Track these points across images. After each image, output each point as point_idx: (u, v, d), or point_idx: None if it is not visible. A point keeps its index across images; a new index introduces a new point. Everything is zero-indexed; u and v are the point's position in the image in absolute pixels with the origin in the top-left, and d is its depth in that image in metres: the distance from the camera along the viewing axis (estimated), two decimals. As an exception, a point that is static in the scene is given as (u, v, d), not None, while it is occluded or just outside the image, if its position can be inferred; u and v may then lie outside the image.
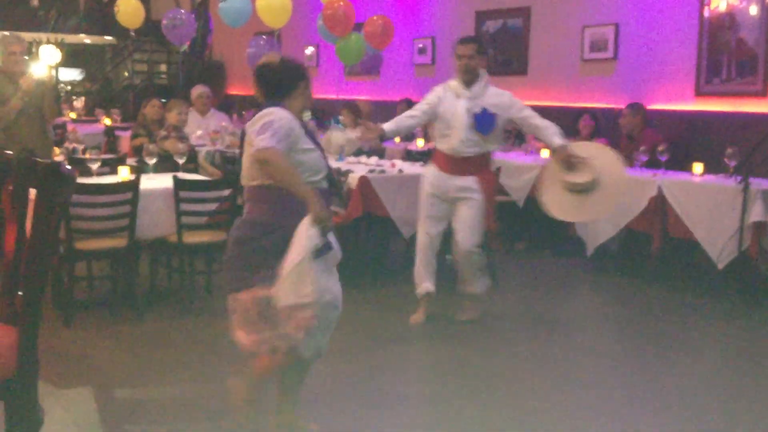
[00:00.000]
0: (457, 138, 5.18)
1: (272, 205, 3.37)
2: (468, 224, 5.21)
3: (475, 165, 5.23)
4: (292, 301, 3.25)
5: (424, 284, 5.43)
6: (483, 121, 5.15)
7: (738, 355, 5.01)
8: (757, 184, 5.69)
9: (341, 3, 9.01)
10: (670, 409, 4.05)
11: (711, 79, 7.32)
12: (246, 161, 3.45)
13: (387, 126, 5.24)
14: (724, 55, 7.20)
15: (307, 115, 3.95)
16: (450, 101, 5.23)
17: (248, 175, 3.44)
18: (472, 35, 5.51)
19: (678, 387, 4.39)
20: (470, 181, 5.21)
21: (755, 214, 5.58)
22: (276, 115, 3.37)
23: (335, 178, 3.68)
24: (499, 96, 5.22)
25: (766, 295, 5.88)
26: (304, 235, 3.24)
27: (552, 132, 5.16)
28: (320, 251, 3.27)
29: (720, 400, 4.21)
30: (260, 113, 3.41)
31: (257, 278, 3.32)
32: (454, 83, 5.29)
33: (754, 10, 6.93)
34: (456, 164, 5.23)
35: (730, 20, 7.14)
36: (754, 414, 4.00)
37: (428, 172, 5.40)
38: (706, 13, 7.34)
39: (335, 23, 9.27)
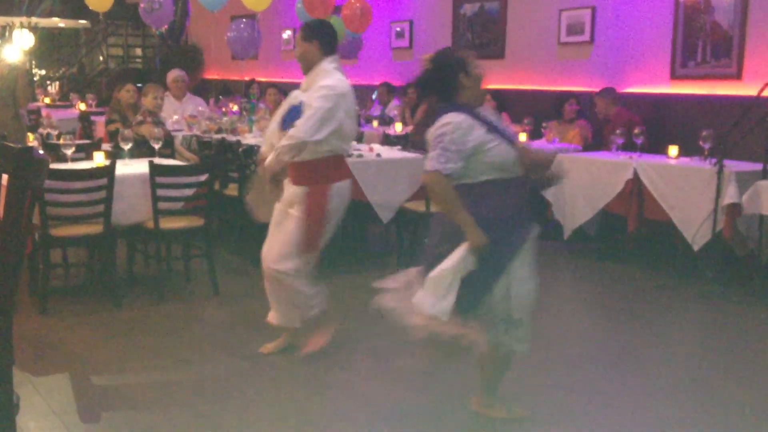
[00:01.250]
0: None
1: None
2: (280, 237, 4.31)
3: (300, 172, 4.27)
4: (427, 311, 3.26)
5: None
6: (287, 116, 4.29)
7: (714, 335, 5.07)
8: (731, 166, 5.75)
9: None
10: (648, 388, 4.10)
11: (686, 62, 7.36)
12: None
13: None
14: (698, 39, 7.24)
15: None
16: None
17: None
18: (308, 21, 4.56)
19: (655, 366, 4.43)
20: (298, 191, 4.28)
21: (729, 196, 5.63)
22: (451, 125, 3.23)
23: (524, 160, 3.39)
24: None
25: (741, 275, 5.95)
26: (460, 256, 3.20)
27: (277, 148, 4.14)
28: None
29: (697, 379, 4.26)
30: (440, 121, 3.28)
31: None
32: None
33: (728, -7, 6.97)
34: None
35: (704, 4, 7.18)
36: (729, 391, 4.06)
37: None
38: (681, -3, 7.37)
39: (314, 6, 9.22)
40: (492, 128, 3.32)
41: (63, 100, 13.10)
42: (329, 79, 4.24)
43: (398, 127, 8.89)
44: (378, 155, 6.46)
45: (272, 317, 4.47)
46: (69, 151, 5.71)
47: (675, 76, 7.47)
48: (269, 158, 4.16)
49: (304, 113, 4.12)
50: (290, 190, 4.27)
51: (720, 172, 5.56)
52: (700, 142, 6.07)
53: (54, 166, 5.33)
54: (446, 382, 4.10)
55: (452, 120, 3.25)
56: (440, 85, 3.41)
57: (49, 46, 19.04)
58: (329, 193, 4.27)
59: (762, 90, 5.43)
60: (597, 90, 7.75)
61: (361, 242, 6.93)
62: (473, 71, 3.40)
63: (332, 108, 4.15)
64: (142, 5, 10.01)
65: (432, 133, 3.28)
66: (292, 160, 4.16)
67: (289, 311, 4.40)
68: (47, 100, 12.55)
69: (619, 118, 7.23)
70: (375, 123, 9.53)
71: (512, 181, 3.33)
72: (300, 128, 4.08)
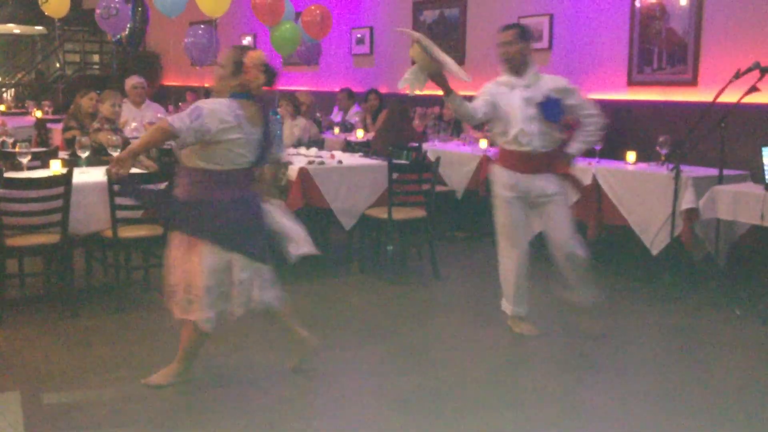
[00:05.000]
0: (522, 133, 4.74)
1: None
2: (564, 223, 4.84)
3: (552, 159, 4.80)
4: None
5: (516, 308, 5.05)
6: (549, 109, 4.71)
7: (672, 338, 5.13)
8: (688, 171, 5.84)
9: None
10: (607, 392, 4.14)
11: (642, 68, 7.46)
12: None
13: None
14: (654, 45, 7.35)
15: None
16: (505, 95, 4.79)
17: None
18: (515, 22, 5.07)
19: (614, 370, 4.48)
20: (552, 179, 4.81)
21: (687, 201, 5.72)
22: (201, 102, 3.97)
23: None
24: (555, 81, 4.80)
25: (698, 279, 6.04)
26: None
27: (582, 135, 4.83)
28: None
29: (656, 382, 4.31)
30: None
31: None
32: (503, 77, 4.86)
33: (683, 0, 7.09)
34: (532, 162, 4.79)
35: (660, 10, 7.29)
36: (687, 394, 4.11)
37: (498, 174, 4.95)
38: (637, 3, 7.47)
39: (263, 13, 9.18)
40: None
41: (18, 107, 12.87)
42: (557, 76, 4.88)
43: (359, 134, 8.89)
44: (339, 162, 6.45)
45: (575, 297, 4.99)
46: (25, 160, 5.61)
47: (632, 82, 7.57)
48: (579, 148, 4.86)
49: (579, 101, 4.76)
50: (534, 182, 4.79)
51: (677, 177, 5.64)
52: (657, 148, 6.16)
53: (9, 174, 5.24)
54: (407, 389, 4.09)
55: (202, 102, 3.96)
56: None
57: (4, 52, 18.72)
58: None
59: (717, 96, 5.52)
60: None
61: (323, 249, 6.89)
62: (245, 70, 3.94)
63: None
64: (98, 11, 9.89)
65: None
66: (545, 150, 4.74)
67: (588, 285, 4.95)
68: (2, 108, 12.34)
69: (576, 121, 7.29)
70: (336, 129, 9.52)
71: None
72: (599, 113, 4.77)
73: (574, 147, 4.81)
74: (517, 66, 4.77)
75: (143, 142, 3.88)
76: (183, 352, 4.12)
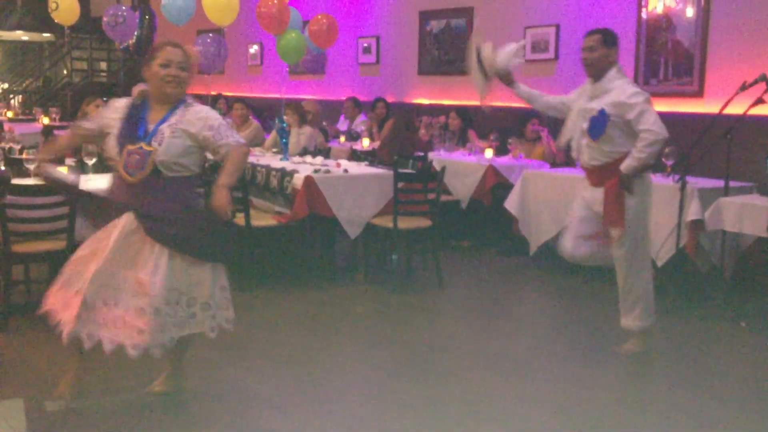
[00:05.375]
0: (573, 144, 4.75)
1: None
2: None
3: (606, 175, 4.60)
4: None
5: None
6: (594, 125, 4.55)
7: (677, 350, 5.12)
8: (694, 183, 5.84)
9: (275, 1, 8.95)
10: (613, 404, 4.13)
11: (648, 79, 7.47)
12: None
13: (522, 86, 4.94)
14: (661, 57, 7.36)
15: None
16: (576, 102, 4.73)
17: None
18: (602, 27, 4.83)
19: (618, 381, 4.47)
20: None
21: (692, 212, 5.71)
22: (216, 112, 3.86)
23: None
24: (619, 93, 4.50)
25: (704, 291, 6.03)
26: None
27: (634, 151, 4.47)
28: None
29: (660, 394, 4.30)
30: (201, 108, 3.75)
31: None
32: (586, 82, 4.74)
33: (690, 12, 7.10)
34: (590, 175, 4.73)
35: (667, 22, 7.30)
36: (692, 406, 4.10)
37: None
38: (643, 15, 7.49)
39: (269, 23, 9.21)
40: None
41: (26, 113, 12.92)
42: (630, 85, 4.56)
43: (365, 143, 8.90)
44: (345, 171, 6.46)
45: (624, 321, 4.87)
46: (32, 166, 5.63)
47: (638, 93, 7.56)
48: (630, 165, 4.48)
49: (636, 115, 4.41)
50: (594, 195, 4.68)
51: (683, 188, 5.64)
52: (663, 159, 6.15)
53: (16, 181, 5.26)
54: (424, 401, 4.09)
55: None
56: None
57: (12, 59, 18.80)
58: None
59: (723, 108, 5.52)
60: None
61: (328, 258, 6.91)
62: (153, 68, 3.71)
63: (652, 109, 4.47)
64: (105, 19, 9.94)
65: (213, 118, 3.70)
66: (596, 164, 4.61)
67: (642, 311, 4.78)
68: (10, 114, 12.38)
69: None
70: (342, 138, 9.53)
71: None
72: (653, 128, 4.39)
73: (625, 163, 4.49)
74: (595, 73, 4.62)
75: (233, 171, 3.70)
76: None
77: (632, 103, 4.44)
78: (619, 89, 4.50)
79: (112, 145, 3.69)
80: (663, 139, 4.42)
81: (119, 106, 3.74)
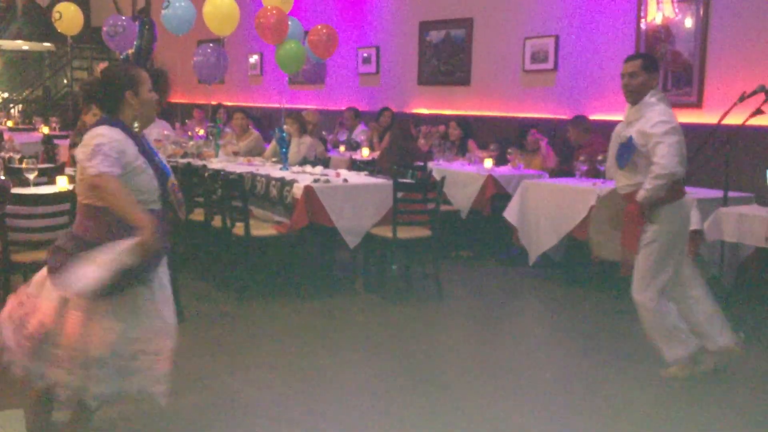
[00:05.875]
0: (610, 170, 4.72)
1: (98, 224, 3.19)
2: (635, 271, 4.58)
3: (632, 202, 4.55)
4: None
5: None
6: (621, 151, 4.51)
7: (676, 361, 5.11)
8: (693, 193, 5.82)
9: (274, 11, 8.97)
10: (614, 413, 4.12)
11: (648, 90, 7.48)
12: (78, 179, 3.27)
13: None
14: (660, 67, 7.36)
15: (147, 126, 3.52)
16: (618, 126, 4.69)
17: (80, 192, 3.26)
18: (641, 52, 4.86)
19: (620, 392, 4.46)
20: None
21: (692, 222, 5.70)
22: (105, 137, 3.17)
23: (171, 197, 3.39)
24: (649, 121, 4.40)
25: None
26: (115, 251, 3.04)
27: (646, 180, 4.40)
28: (118, 286, 3.11)
29: (658, 404, 4.29)
30: (89, 134, 3.22)
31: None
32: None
33: (689, 22, 7.13)
34: (627, 200, 4.62)
35: (665, 33, 7.33)
36: (690, 415, 4.09)
37: None
38: (642, 26, 7.52)
39: (268, 32, 9.22)
40: (145, 153, 3.30)
41: (26, 123, 12.94)
42: (659, 114, 4.40)
43: (365, 152, 8.91)
44: (345, 180, 6.46)
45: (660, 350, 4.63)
46: (32, 176, 5.64)
47: (637, 103, 7.58)
48: (642, 195, 4.39)
49: (652, 146, 4.33)
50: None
51: (682, 198, 5.64)
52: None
53: (16, 190, 5.26)
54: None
55: (105, 132, 3.20)
56: (103, 97, 3.38)
57: (12, 68, 18.84)
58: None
59: (722, 118, 5.53)
60: (561, 117, 7.86)
61: (327, 267, 6.91)
62: (144, 94, 3.37)
63: (681, 140, 4.37)
64: (105, 29, 9.96)
65: (86, 143, 3.18)
66: (626, 192, 4.52)
67: (671, 341, 4.55)
68: (10, 123, 12.40)
69: (594, 145, 7.27)
70: (342, 148, 9.55)
71: (152, 213, 3.21)
72: (661, 162, 4.29)
73: (640, 194, 4.42)
74: (632, 99, 4.55)
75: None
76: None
77: (651, 133, 4.36)
78: (648, 117, 4.42)
79: (147, 181, 3.27)
80: (669, 174, 4.30)
81: (121, 138, 3.25)
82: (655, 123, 4.36)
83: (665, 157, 4.29)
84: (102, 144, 3.14)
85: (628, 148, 4.44)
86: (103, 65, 3.47)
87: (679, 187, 4.49)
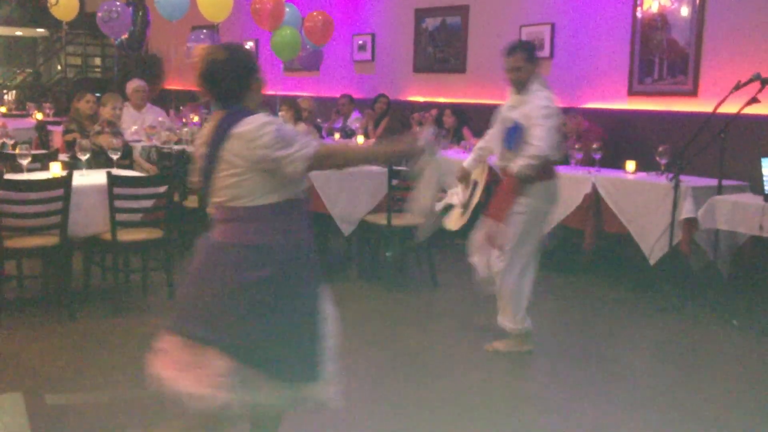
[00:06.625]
0: (497, 151, 4.87)
1: (261, 224, 2.73)
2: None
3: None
4: None
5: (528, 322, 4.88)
6: (509, 134, 4.67)
7: (670, 348, 5.13)
8: (687, 181, 5.85)
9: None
10: (606, 403, 4.13)
11: (643, 78, 7.48)
12: (226, 180, 2.67)
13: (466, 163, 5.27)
14: (655, 56, 7.36)
15: None
16: (500, 112, 4.88)
17: (249, 194, 2.68)
18: (519, 42, 4.98)
19: (612, 380, 4.47)
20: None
21: (686, 210, 5.73)
22: (275, 122, 2.67)
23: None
24: (532, 105, 4.57)
25: (697, 289, 6.04)
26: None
27: (522, 157, 4.55)
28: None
29: (653, 392, 4.31)
30: (250, 131, 2.61)
31: (215, 333, 2.74)
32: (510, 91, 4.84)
33: (685, 11, 7.11)
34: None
35: (661, 21, 7.31)
36: (685, 404, 4.10)
37: None
38: (638, 14, 7.49)
39: (264, 17, 9.18)
40: None
41: (19, 109, 12.87)
42: (543, 99, 4.59)
43: (360, 140, 8.88)
44: (339, 168, 6.44)
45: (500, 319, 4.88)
46: (25, 162, 5.61)
47: (632, 92, 7.58)
48: (514, 170, 4.57)
49: (535, 131, 4.49)
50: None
51: (676, 187, 5.65)
52: (657, 158, 6.16)
53: (9, 176, 5.24)
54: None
55: (269, 119, 2.67)
56: (230, 83, 2.73)
57: (5, 54, 18.74)
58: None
59: (717, 107, 5.53)
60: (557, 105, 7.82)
61: (322, 255, 6.90)
62: (261, 82, 2.86)
63: (558, 126, 4.64)
64: (99, 14, 9.91)
65: (254, 140, 2.61)
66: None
67: (515, 312, 4.77)
68: (3, 109, 12.34)
69: (590, 134, 7.25)
70: (337, 135, 9.52)
71: (298, 202, 2.84)
72: (534, 142, 4.49)
73: (512, 169, 4.60)
74: (518, 88, 4.71)
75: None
76: None
77: (532, 116, 4.55)
78: (531, 102, 4.60)
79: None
80: (543, 156, 4.49)
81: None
82: (537, 107, 4.56)
83: (542, 140, 4.50)
84: (281, 128, 2.65)
85: (515, 131, 4.62)
86: (202, 46, 2.48)
87: (551, 168, 4.68)
